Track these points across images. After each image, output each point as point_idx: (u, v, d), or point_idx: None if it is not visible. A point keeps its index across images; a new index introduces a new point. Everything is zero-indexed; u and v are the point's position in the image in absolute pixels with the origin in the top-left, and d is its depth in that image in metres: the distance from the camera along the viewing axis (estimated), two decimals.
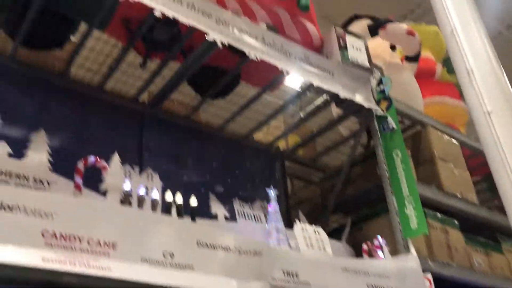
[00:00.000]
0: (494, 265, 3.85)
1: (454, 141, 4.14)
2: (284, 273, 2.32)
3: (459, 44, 2.74)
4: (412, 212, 3.02)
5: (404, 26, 4.31)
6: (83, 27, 2.99)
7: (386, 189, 3.19)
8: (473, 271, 3.61)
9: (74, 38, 3.08)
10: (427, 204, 3.34)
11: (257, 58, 2.86)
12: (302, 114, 4.36)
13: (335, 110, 4.03)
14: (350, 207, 3.79)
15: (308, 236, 2.60)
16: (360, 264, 2.72)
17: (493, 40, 2.89)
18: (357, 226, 3.53)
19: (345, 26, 4.67)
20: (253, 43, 2.89)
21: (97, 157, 2.26)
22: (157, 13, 2.52)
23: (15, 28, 2.80)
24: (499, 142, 2.50)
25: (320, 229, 2.73)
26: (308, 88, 3.45)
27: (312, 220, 3.97)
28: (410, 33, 4.24)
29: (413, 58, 4.50)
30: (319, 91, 3.48)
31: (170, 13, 2.56)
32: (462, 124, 5.14)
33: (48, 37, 2.93)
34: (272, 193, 2.65)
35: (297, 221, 2.71)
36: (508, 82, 2.72)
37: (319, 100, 3.88)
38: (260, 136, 4.15)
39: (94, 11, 2.75)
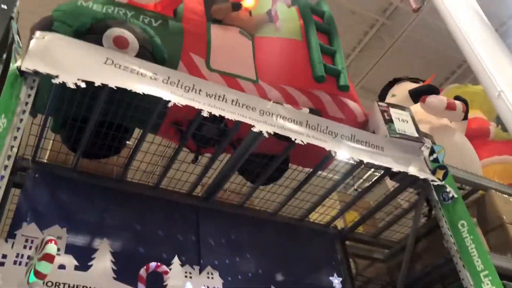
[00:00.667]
0: None
1: None
2: None
3: (509, 106, 2.67)
4: (490, 287, 2.78)
5: (444, 101, 4.01)
6: (137, 131, 3.18)
7: (457, 263, 2.98)
8: None
9: (129, 142, 3.27)
10: (506, 275, 3.07)
11: (303, 142, 2.90)
12: (356, 188, 4.27)
13: (390, 183, 3.93)
14: (420, 284, 3.56)
15: None
16: None
17: None
18: None
19: (386, 90, 4.65)
20: (297, 128, 2.94)
21: (158, 263, 2.29)
22: (205, 114, 2.64)
23: (76, 143, 3.02)
24: None
25: None
26: (359, 164, 3.41)
27: None
28: (450, 107, 4.07)
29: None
30: (371, 166, 3.44)
31: (217, 112, 2.68)
32: None
33: (106, 146, 3.12)
34: (336, 281, 2.55)
35: None
36: None
37: (372, 172, 3.80)
38: (316, 216, 4.08)
39: (147, 117, 2.93)
